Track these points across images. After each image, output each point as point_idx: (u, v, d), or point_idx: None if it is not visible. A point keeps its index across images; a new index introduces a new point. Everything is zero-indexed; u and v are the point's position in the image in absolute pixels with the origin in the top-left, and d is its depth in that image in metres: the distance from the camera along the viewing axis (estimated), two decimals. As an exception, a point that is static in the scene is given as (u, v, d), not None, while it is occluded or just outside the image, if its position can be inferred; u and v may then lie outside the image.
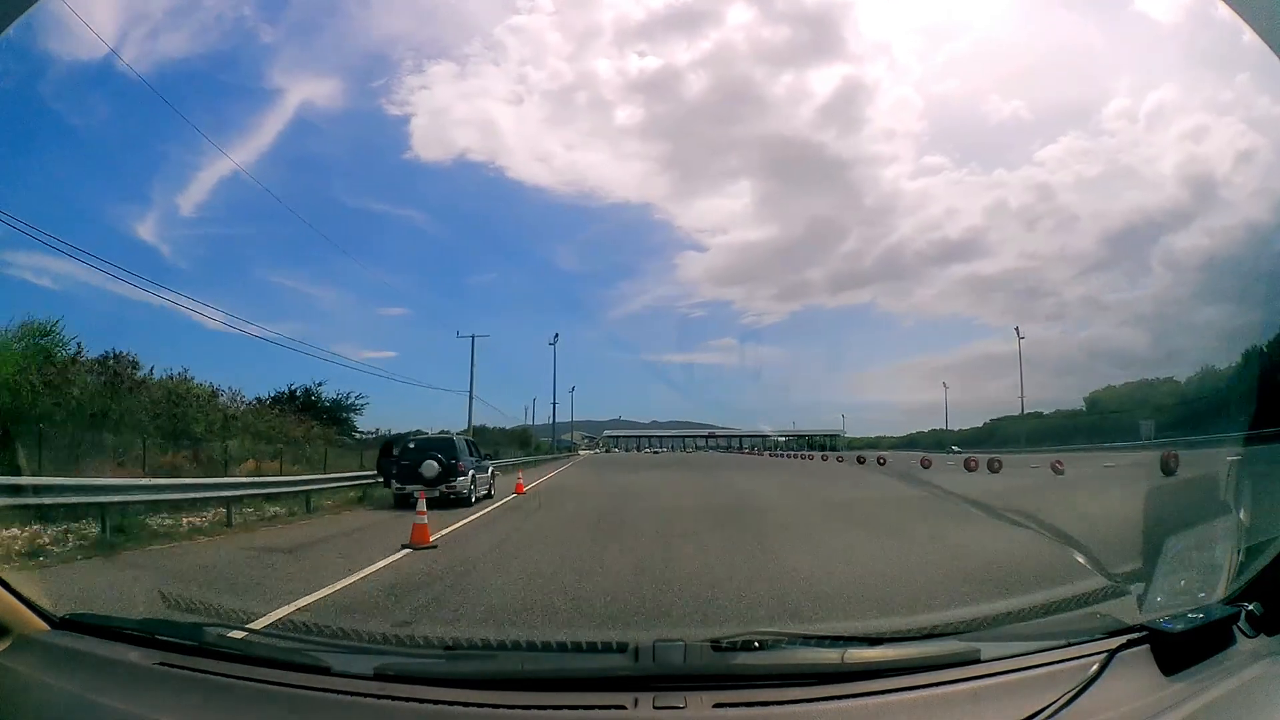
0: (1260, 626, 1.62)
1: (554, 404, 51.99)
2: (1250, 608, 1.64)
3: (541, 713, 1.39)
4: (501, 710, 1.39)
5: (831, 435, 70.60)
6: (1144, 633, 1.60)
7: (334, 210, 48.43)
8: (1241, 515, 2.29)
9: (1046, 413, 43.89)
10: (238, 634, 1.95)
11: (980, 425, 48.75)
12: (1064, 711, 1.35)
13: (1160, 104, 45.67)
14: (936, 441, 48.72)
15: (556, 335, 44.87)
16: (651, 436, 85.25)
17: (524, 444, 43.96)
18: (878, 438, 62.74)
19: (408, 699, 1.43)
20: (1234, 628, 1.62)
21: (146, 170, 41.00)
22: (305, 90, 54.59)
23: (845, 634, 2.15)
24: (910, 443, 55.57)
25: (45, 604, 1.78)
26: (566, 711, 1.40)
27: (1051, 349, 49.18)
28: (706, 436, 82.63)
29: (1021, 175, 52.47)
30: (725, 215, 61.23)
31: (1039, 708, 1.35)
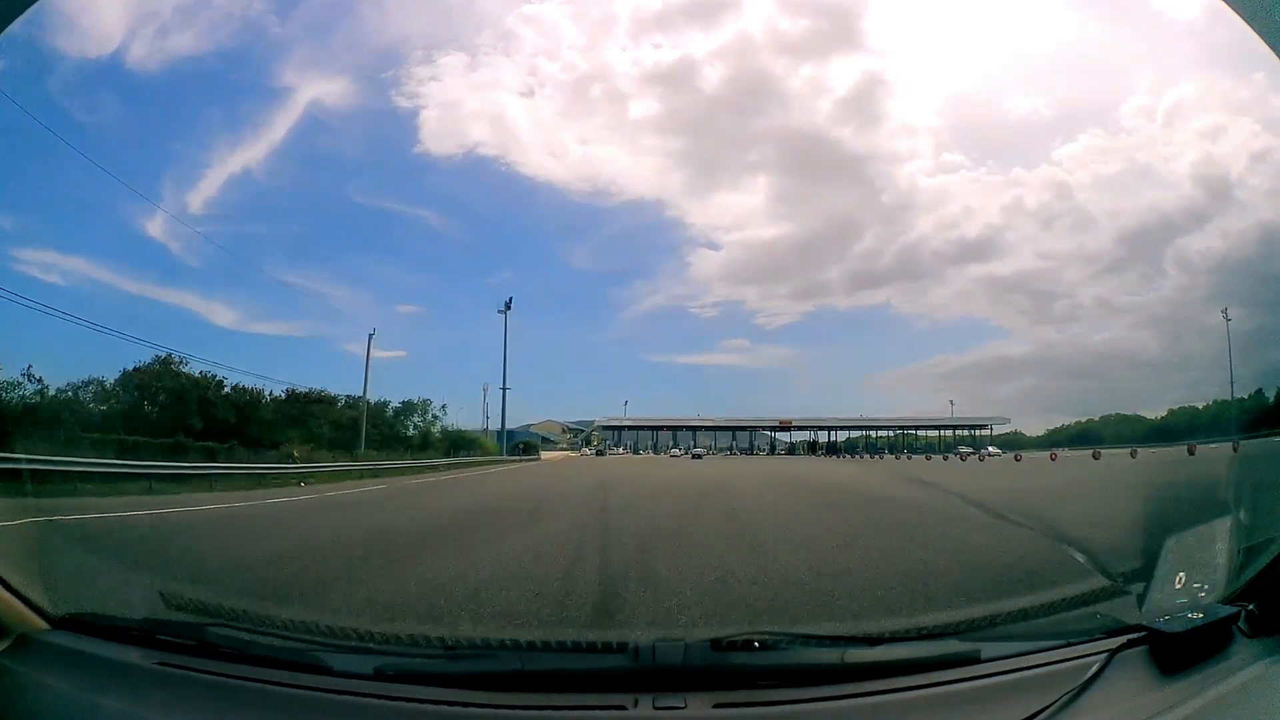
0: (1259, 627, 1.62)
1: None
2: (1250, 608, 1.64)
3: (541, 713, 1.39)
4: (501, 710, 1.39)
5: (972, 428, 52.12)
6: (1144, 633, 1.60)
7: (345, 206, 47.67)
8: (1241, 515, 2.28)
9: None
10: (238, 634, 1.95)
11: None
12: (1064, 711, 1.35)
13: (1179, 102, 44.99)
14: (1153, 432, 36.22)
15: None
16: (679, 428, 57.98)
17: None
18: (1012, 433, 50.75)
19: (408, 699, 1.43)
20: (1233, 628, 1.61)
21: (154, 168, 41.59)
22: (312, 81, 54.33)
23: (845, 634, 2.14)
24: (1079, 437, 41.94)
25: (44, 603, 1.78)
26: (567, 711, 1.40)
27: (1061, 351, 47.52)
28: (773, 428, 57.47)
29: (1040, 174, 50.49)
30: (741, 212, 58.97)
31: (1039, 708, 1.35)
